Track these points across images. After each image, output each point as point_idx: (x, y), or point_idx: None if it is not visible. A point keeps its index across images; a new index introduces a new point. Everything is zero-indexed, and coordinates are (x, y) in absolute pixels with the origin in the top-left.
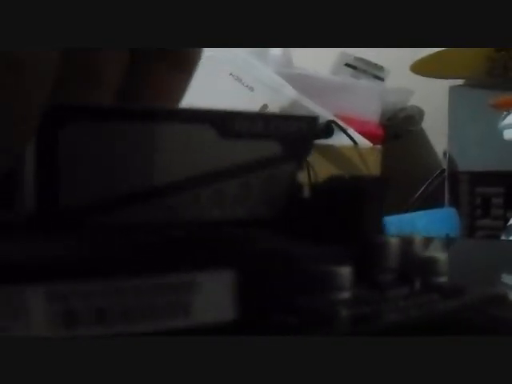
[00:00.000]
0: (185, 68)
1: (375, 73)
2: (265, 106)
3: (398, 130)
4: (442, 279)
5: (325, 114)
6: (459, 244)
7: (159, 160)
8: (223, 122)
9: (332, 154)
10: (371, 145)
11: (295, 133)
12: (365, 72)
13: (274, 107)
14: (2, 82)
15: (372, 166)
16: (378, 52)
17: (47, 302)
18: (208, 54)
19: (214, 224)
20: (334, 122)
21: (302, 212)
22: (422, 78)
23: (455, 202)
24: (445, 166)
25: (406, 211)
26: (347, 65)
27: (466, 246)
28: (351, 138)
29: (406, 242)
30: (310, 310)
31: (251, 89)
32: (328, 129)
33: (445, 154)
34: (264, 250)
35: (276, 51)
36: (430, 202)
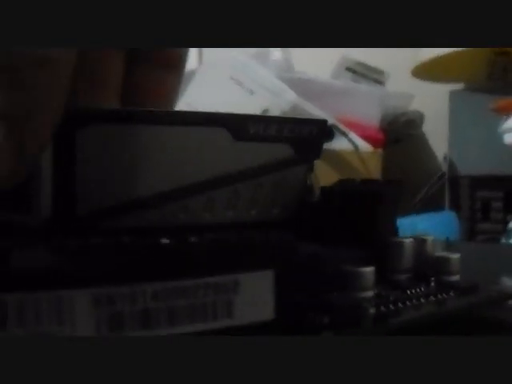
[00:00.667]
0: (173, 69)
1: (376, 77)
2: (265, 109)
3: (399, 134)
4: (456, 277)
5: (325, 118)
6: (459, 247)
7: (176, 163)
8: (238, 126)
9: (333, 157)
10: (372, 149)
11: (307, 136)
12: (365, 76)
13: (275, 111)
14: (34, 82)
15: (373, 169)
16: (379, 56)
17: (93, 307)
18: (209, 58)
19: (226, 226)
20: (334, 126)
21: (314, 214)
22: (422, 82)
23: (455, 206)
24: (445, 169)
25: (407, 214)
26: (348, 69)
27: (466, 250)
28: (352, 142)
29: (420, 243)
30: (340, 308)
31: (252, 92)
32: (329, 133)
33: (445, 157)
34: (299, 252)
35: (277, 55)
36: (431, 205)
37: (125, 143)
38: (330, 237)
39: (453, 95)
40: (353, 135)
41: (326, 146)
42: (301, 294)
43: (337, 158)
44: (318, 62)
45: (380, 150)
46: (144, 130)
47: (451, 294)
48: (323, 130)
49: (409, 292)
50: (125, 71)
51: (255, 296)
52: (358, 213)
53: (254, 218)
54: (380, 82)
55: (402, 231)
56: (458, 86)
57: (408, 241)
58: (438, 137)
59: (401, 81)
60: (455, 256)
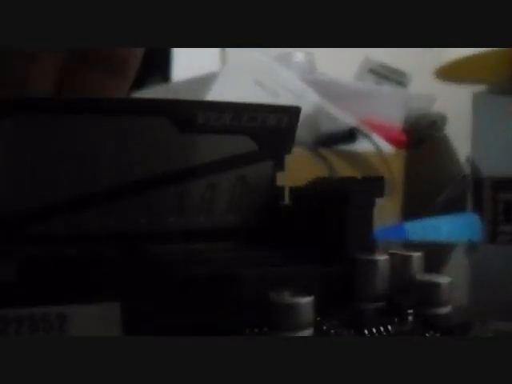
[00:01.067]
0: (117, 73)
1: (398, 79)
2: None
3: (422, 135)
4: (444, 310)
5: (348, 120)
6: (481, 249)
7: (109, 159)
8: (184, 115)
9: (356, 159)
10: (395, 150)
11: (273, 126)
12: (388, 78)
13: None
14: None
15: (395, 171)
16: (402, 58)
17: None
18: (232, 60)
19: (174, 235)
20: (357, 127)
21: (277, 220)
22: (445, 84)
23: (478, 208)
24: (468, 171)
25: (430, 217)
26: (371, 71)
27: (489, 252)
28: (375, 144)
29: (402, 261)
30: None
31: (275, 95)
32: (352, 134)
33: (468, 159)
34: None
35: (299, 57)
36: (453, 207)
37: (50, 135)
38: (298, 249)
39: (476, 97)
40: (376, 137)
41: (349, 147)
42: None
43: (360, 160)
44: (341, 64)
45: (403, 152)
46: (70, 121)
47: (429, 334)
48: (294, 119)
49: (366, 332)
50: (64, 72)
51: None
52: (321, 219)
53: (204, 226)
54: (403, 84)
55: (425, 233)
56: (480, 88)
57: (383, 259)
58: (460, 139)
59: (423, 83)
60: (445, 281)
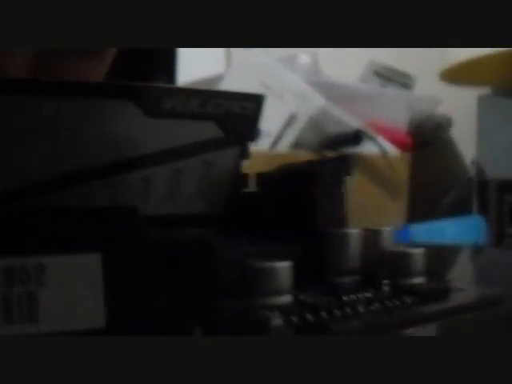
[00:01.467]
0: (92, 57)
1: (403, 81)
2: (293, 114)
3: (427, 138)
4: (419, 280)
5: (353, 123)
6: (487, 252)
7: (73, 142)
8: (149, 99)
9: (361, 162)
10: (400, 153)
11: (238, 113)
12: (393, 80)
13: (303, 115)
14: None
15: (401, 173)
16: (407, 60)
17: None
18: (237, 62)
19: (136, 222)
20: (362, 130)
21: (243, 206)
22: (450, 86)
23: (483, 210)
24: (473, 173)
25: (435, 219)
26: (375, 73)
27: (494, 254)
28: (380, 147)
29: (372, 236)
30: (221, 316)
31: (280, 97)
32: (357, 137)
33: (473, 162)
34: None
35: (304, 59)
36: (458, 209)
37: (14, 117)
38: (267, 232)
39: (481, 99)
40: (381, 139)
41: (354, 150)
42: (167, 294)
43: (365, 163)
44: (346, 66)
45: (408, 154)
46: (32, 102)
47: (407, 300)
48: (259, 107)
49: (345, 298)
50: (40, 57)
51: (71, 291)
52: (292, 199)
53: (169, 212)
54: (408, 86)
55: (430, 236)
56: (485, 91)
57: (354, 232)
58: (465, 141)
59: (429, 85)
60: (417, 251)
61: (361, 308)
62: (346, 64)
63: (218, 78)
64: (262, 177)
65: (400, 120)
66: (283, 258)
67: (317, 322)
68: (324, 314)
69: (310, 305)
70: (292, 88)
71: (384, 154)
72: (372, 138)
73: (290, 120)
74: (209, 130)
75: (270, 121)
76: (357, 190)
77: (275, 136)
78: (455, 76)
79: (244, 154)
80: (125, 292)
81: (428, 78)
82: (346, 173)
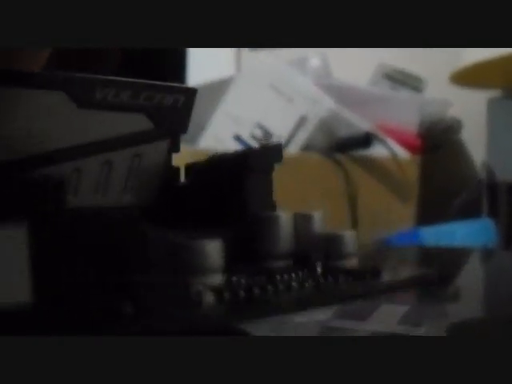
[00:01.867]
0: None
1: (414, 84)
2: (304, 117)
3: (437, 140)
4: (351, 262)
5: (364, 125)
6: (497, 254)
7: (3, 131)
8: (81, 90)
9: (371, 164)
10: (410, 156)
11: (169, 106)
12: (403, 83)
13: (313, 118)
14: None
15: (411, 176)
16: (417, 63)
17: None
18: (247, 65)
19: (66, 212)
20: (372, 133)
21: (173, 197)
22: (460, 89)
23: (493, 213)
24: (483, 176)
25: (444, 222)
26: (386, 76)
27: (504, 257)
28: (390, 149)
29: (303, 219)
30: (149, 292)
31: (290, 100)
32: (367, 140)
33: (483, 164)
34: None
35: (315, 62)
36: (468, 212)
37: None
38: (198, 222)
39: (491, 102)
40: (391, 142)
41: (364, 152)
42: (98, 273)
43: (375, 165)
44: (356, 69)
45: (418, 157)
46: None
47: (340, 279)
48: (190, 100)
49: (278, 277)
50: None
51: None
52: (222, 187)
53: (99, 203)
54: (418, 89)
55: (440, 239)
56: (496, 93)
57: (285, 216)
58: (475, 144)
59: (439, 87)
60: (349, 234)
61: (294, 284)
62: (356, 67)
63: (228, 81)
64: (190, 168)
65: (410, 123)
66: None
67: (249, 298)
68: (257, 290)
69: (242, 283)
70: (302, 91)
71: (394, 156)
72: (382, 141)
73: (300, 123)
74: (140, 122)
75: (281, 124)
76: (367, 193)
77: (285, 139)
78: (465, 79)
79: (175, 146)
80: (52, 267)
81: (438, 80)
82: (276, 160)
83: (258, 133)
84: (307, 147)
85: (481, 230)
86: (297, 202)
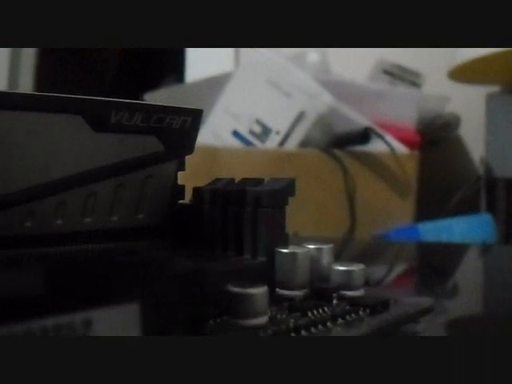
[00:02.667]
0: None
1: (412, 79)
2: (302, 112)
3: (435, 136)
4: (360, 292)
5: (362, 121)
6: (495, 250)
7: (18, 159)
8: (97, 113)
9: (369, 160)
10: (408, 151)
11: (178, 128)
12: (402, 79)
13: (311, 114)
14: None
15: (409, 172)
16: (415, 59)
17: None
18: (246, 60)
19: (84, 234)
20: (371, 128)
21: (186, 219)
22: (459, 84)
23: (492, 209)
24: (481, 172)
25: (443, 217)
26: (384, 71)
27: (502, 253)
28: (388, 145)
29: (316, 253)
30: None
31: (288, 95)
32: (365, 135)
33: (482, 160)
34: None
35: (313, 58)
36: (467, 208)
37: None
38: (204, 244)
39: (489, 97)
40: (389, 138)
41: (363, 148)
42: (180, 322)
43: (373, 161)
44: (355, 65)
45: (416, 153)
46: None
47: (361, 313)
48: (197, 121)
49: (310, 314)
50: None
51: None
52: (234, 216)
53: (115, 225)
54: (417, 85)
55: (438, 234)
56: (494, 89)
57: (301, 251)
58: (474, 139)
59: (437, 83)
60: (359, 268)
61: (329, 324)
62: (355, 62)
63: (227, 77)
64: (197, 191)
65: (409, 118)
66: (248, 272)
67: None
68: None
69: (286, 323)
70: (300, 86)
71: (392, 152)
72: (380, 137)
73: (299, 118)
74: (151, 144)
75: (279, 119)
76: (365, 189)
77: (283, 134)
78: (464, 74)
79: (181, 166)
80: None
81: (437, 76)
82: (290, 194)
83: (257, 128)
84: (305, 143)
85: (479, 226)
86: (295, 198)
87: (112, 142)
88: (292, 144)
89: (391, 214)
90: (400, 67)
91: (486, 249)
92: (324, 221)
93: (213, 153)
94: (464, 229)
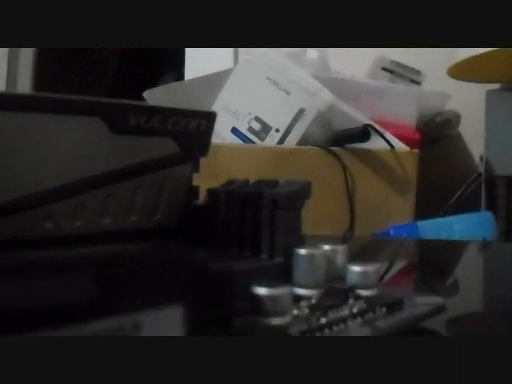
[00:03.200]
0: None
1: (412, 77)
2: (301, 109)
3: (435, 134)
4: (373, 291)
5: (362, 118)
6: (495, 248)
7: (38, 160)
8: (116, 116)
9: (369, 157)
10: (408, 149)
11: (193, 130)
12: (402, 76)
13: (311, 111)
14: None
15: (409, 169)
16: (415, 56)
17: None
18: (245, 57)
19: (102, 235)
20: (370, 125)
21: (200, 219)
22: (458, 81)
23: (492, 206)
24: (481, 170)
25: (443, 215)
26: (384, 69)
27: (503, 250)
28: (388, 142)
29: (330, 253)
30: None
31: (288, 92)
32: (365, 133)
33: (482, 158)
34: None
35: (313, 55)
36: (467, 205)
37: None
38: (219, 245)
39: (489, 95)
40: (389, 135)
41: (362, 145)
42: (212, 322)
43: (373, 158)
44: (355, 62)
45: (416, 151)
46: None
47: (378, 311)
48: (211, 124)
49: (331, 313)
50: None
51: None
52: (251, 217)
53: (133, 226)
54: (416, 82)
55: (438, 232)
56: (494, 86)
57: (318, 252)
58: (474, 137)
59: (437, 80)
60: (373, 268)
61: (350, 322)
62: (355, 59)
63: (226, 74)
64: (212, 192)
65: (408, 116)
66: (270, 271)
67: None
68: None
69: (309, 321)
70: (300, 83)
71: (392, 149)
72: (380, 134)
73: (298, 115)
74: (167, 146)
75: (278, 116)
76: (365, 186)
77: (283, 131)
78: (464, 71)
79: (196, 167)
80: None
81: (437, 73)
82: (306, 197)
83: (256, 125)
84: (305, 140)
85: (479, 223)
86: None
87: (130, 144)
88: (291, 141)
89: (391, 211)
90: (400, 64)
91: (486, 246)
92: (323, 218)
93: (212, 150)
94: (464, 226)
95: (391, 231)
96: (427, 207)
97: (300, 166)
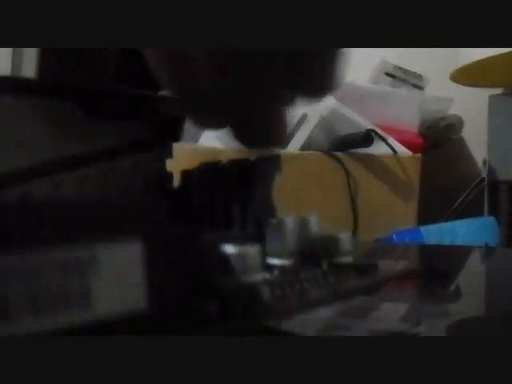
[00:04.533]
0: None
1: (415, 82)
2: (304, 115)
3: (438, 138)
4: (348, 258)
5: (364, 123)
6: (498, 253)
7: (10, 141)
8: (91, 99)
9: (372, 162)
10: (411, 154)
11: (167, 115)
12: (404, 81)
13: (314, 116)
14: None
15: (412, 174)
16: (418, 61)
17: None
18: None
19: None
20: (373, 130)
21: (174, 201)
22: (461, 86)
23: (495, 211)
24: (484, 174)
25: (446, 220)
26: (387, 74)
27: (505, 255)
28: (391, 147)
29: (302, 223)
30: (230, 293)
31: None
32: (368, 138)
33: (484, 162)
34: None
35: None
36: (470, 210)
37: None
38: (196, 224)
39: (492, 99)
40: (392, 140)
41: (365, 150)
42: (180, 278)
43: (376, 163)
44: (357, 67)
45: (419, 155)
46: None
47: (350, 274)
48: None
49: (302, 275)
50: None
51: (118, 276)
52: (226, 192)
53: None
54: (419, 87)
55: (441, 237)
56: (497, 91)
57: (288, 220)
58: (477, 141)
59: (440, 85)
60: (345, 235)
61: (320, 281)
62: (357, 64)
63: None
64: (186, 174)
65: (411, 120)
66: (243, 240)
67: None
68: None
69: (278, 282)
70: None
71: (395, 154)
72: (383, 139)
73: (301, 121)
74: (141, 131)
75: None
76: (368, 191)
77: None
78: (467, 76)
79: (169, 153)
80: (160, 277)
81: (439, 78)
82: (276, 169)
83: None
84: (308, 145)
85: (482, 228)
86: (298, 200)
87: (103, 128)
88: (294, 146)
89: (394, 216)
90: (402, 69)
91: (488, 251)
92: (326, 223)
93: (215, 155)
94: (467, 231)
95: (394, 236)
96: (430, 212)
97: (303, 171)
